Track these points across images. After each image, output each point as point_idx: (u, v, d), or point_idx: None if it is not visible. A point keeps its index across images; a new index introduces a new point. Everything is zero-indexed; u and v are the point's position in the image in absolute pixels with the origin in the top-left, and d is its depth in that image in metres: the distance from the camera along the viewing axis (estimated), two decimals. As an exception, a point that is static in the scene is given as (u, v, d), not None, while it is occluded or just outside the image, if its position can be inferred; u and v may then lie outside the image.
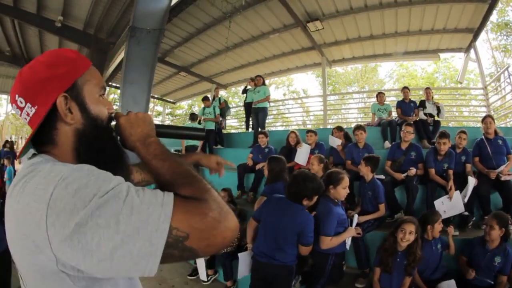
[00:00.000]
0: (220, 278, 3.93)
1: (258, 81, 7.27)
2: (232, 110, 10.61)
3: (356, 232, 2.92)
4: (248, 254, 2.91)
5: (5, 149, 9.73)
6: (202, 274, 3.70)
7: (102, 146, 0.75)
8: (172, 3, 5.83)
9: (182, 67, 10.89)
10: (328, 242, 2.71)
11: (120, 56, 7.73)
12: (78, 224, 0.52)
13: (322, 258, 2.82)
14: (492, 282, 2.75)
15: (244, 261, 2.91)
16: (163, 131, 0.84)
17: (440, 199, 3.66)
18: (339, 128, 5.07)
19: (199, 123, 7.63)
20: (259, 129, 6.80)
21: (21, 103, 0.69)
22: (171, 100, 15.61)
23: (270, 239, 2.55)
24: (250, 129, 8.25)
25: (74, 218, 0.52)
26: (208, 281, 3.82)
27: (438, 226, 2.95)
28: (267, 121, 13.10)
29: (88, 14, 7.66)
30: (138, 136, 0.76)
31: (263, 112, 7.18)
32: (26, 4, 7.40)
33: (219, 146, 7.73)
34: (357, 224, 3.12)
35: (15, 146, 11.61)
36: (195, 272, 3.94)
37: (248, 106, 7.89)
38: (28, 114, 0.69)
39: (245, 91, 8.22)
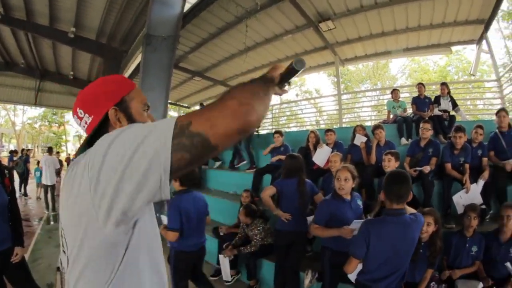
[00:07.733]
0: (243, 278, 4.00)
1: None
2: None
3: (346, 234, 2.63)
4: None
5: (15, 157, 10.93)
6: (226, 274, 3.76)
7: None
8: (185, 9, 5.95)
9: (196, 72, 10.99)
10: (313, 229, 2.89)
11: (134, 63, 7.91)
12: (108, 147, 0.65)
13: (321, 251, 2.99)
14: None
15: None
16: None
17: (458, 194, 3.69)
18: (363, 127, 4.96)
19: None
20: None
21: (81, 113, 0.89)
22: (185, 105, 15.76)
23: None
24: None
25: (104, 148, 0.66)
26: (231, 281, 3.87)
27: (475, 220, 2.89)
28: (281, 121, 13.14)
29: (100, 24, 7.82)
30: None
31: None
32: (39, 17, 7.64)
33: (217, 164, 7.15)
34: None
35: (31, 154, 12.68)
36: (217, 272, 4.01)
37: None
38: (86, 123, 0.90)
39: None
